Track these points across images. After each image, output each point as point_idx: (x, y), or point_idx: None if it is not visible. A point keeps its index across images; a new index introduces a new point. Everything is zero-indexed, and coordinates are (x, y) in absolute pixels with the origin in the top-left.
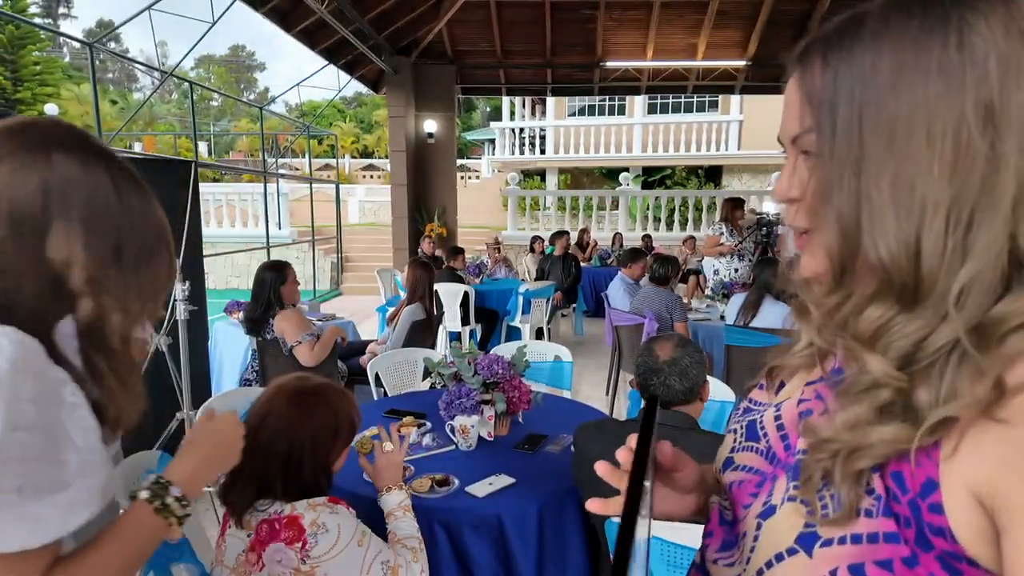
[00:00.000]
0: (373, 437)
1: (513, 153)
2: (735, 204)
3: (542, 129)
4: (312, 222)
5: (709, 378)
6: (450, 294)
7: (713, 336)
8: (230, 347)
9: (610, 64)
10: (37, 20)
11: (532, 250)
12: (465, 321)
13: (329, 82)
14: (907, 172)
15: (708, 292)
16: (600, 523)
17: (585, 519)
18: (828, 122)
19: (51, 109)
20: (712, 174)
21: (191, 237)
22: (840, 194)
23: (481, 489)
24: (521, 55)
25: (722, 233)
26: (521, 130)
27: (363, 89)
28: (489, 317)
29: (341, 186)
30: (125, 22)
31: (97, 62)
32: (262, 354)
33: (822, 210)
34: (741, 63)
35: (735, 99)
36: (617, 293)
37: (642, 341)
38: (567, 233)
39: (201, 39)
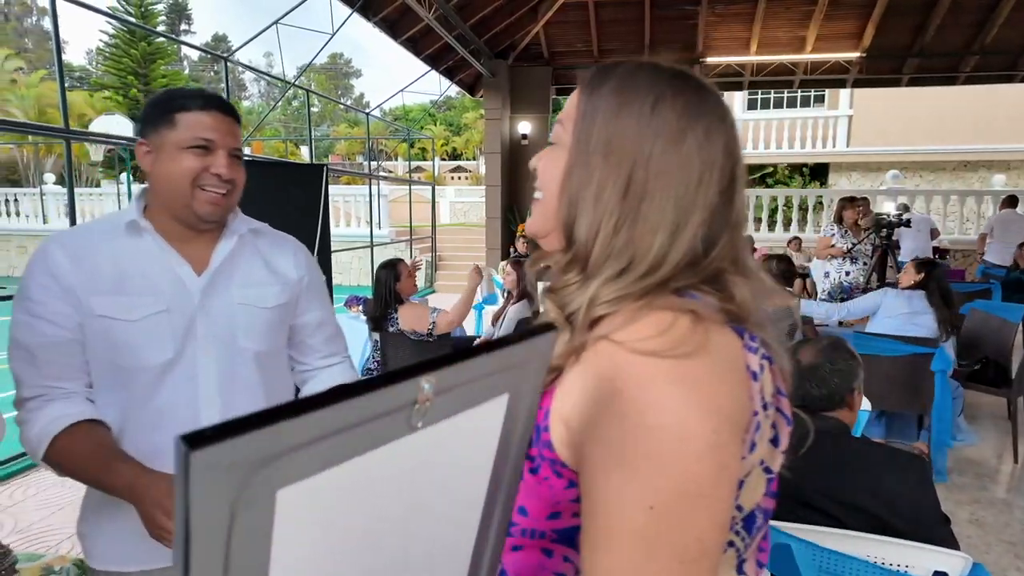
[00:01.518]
0: None
1: None
2: (848, 204)
3: None
4: (411, 222)
5: None
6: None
7: None
8: (350, 340)
9: (711, 60)
10: (161, 36)
11: None
12: None
13: (423, 87)
14: (603, 180)
15: (823, 296)
16: None
17: None
18: (581, 130)
19: None
20: (818, 172)
21: (323, 235)
22: (571, 181)
23: None
24: (618, 53)
25: (833, 234)
26: None
27: (453, 92)
28: None
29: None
30: (255, 36)
31: (212, 74)
32: (384, 346)
33: (560, 189)
34: (854, 55)
35: (844, 93)
36: None
37: None
38: None
39: (323, 48)
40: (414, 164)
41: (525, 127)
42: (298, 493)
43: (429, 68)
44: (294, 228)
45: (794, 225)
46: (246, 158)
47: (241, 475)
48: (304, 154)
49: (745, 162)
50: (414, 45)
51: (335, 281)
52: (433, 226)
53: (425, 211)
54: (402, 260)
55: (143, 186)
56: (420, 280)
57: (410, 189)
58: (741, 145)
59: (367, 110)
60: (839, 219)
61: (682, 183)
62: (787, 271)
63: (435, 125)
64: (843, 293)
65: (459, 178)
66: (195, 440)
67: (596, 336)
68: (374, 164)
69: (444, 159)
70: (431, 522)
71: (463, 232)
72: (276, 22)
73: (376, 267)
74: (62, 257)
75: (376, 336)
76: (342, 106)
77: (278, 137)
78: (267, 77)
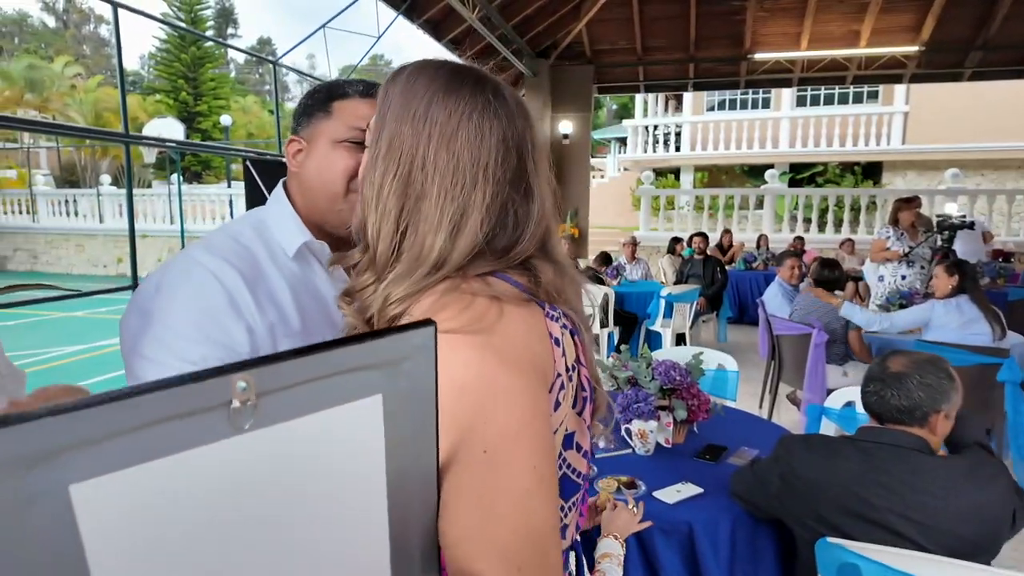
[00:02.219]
0: (616, 495)
1: (645, 151)
2: (904, 204)
3: (678, 125)
4: None
5: None
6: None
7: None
8: None
9: (759, 56)
10: (214, 41)
11: (672, 251)
12: (604, 323)
13: None
14: (382, 179)
15: (880, 301)
16: (808, 542)
17: (780, 537)
18: (376, 132)
19: (226, 120)
20: (870, 171)
21: None
22: (364, 182)
23: (669, 496)
24: (662, 51)
25: (888, 237)
26: (655, 127)
27: None
28: (628, 320)
29: None
30: (303, 40)
31: (257, 76)
32: None
33: (361, 189)
34: (912, 49)
35: (900, 88)
36: (774, 299)
37: (810, 353)
38: (704, 235)
39: (369, 51)
40: None
41: (567, 126)
42: (98, 489)
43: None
44: None
45: (845, 226)
46: None
47: (24, 466)
48: None
49: (794, 160)
50: (456, 46)
51: None
52: None
53: None
54: None
55: (278, 187)
56: None
57: None
58: (538, 136)
59: None
60: (894, 220)
61: (458, 183)
62: (835, 276)
63: None
64: (902, 299)
65: None
66: None
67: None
68: None
69: None
70: (311, 528)
71: None
72: (324, 26)
73: None
74: (239, 281)
75: None
76: None
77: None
78: (316, 80)
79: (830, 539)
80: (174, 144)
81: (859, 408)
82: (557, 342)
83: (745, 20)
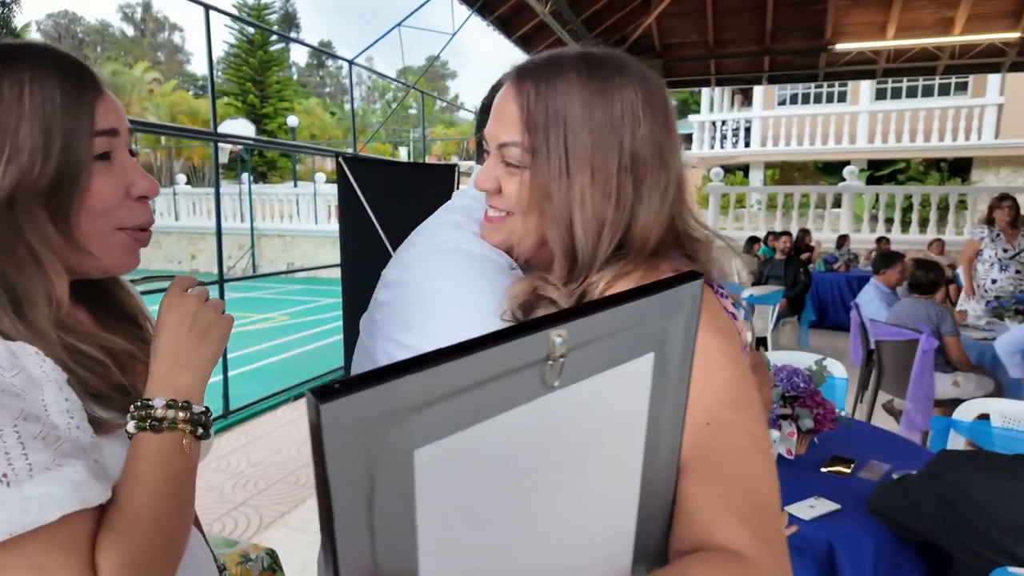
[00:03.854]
0: None
1: (712, 147)
2: (998, 203)
3: (747, 120)
4: None
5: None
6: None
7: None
8: None
9: (840, 47)
10: (299, 43)
11: (749, 251)
12: None
13: None
14: (579, 187)
15: (987, 306)
16: (976, 569)
17: (926, 559)
18: (543, 145)
19: (292, 121)
20: (958, 168)
21: None
22: (556, 200)
23: (803, 511)
24: (735, 43)
25: (983, 238)
26: (723, 122)
27: None
28: None
29: None
30: (379, 39)
31: (317, 78)
32: None
33: (542, 207)
34: (1014, 35)
35: (992, 80)
36: (871, 303)
37: (916, 359)
38: (789, 234)
39: (443, 49)
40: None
41: None
42: (436, 454)
43: None
44: None
45: (931, 226)
46: (382, 160)
47: (375, 431)
48: (403, 155)
49: (872, 156)
50: (525, 43)
51: None
52: None
53: None
54: None
55: (457, 196)
56: None
57: None
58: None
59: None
60: (989, 220)
61: (656, 165)
62: (930, 278)
63: None
64: (1018, 304)
65: None
66: (324, 393)
67: None
68: (471, 163)
69: None
70: (584, 494)
71: None
72: (399, 24)
73: None
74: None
75: None
76: (454, 105)
77: (379, 139)
78: (392, 80)
79: (1011, 569)
80: (263, 142)
81: (998, 421)
82: (734, 316)
83: (826, 9)
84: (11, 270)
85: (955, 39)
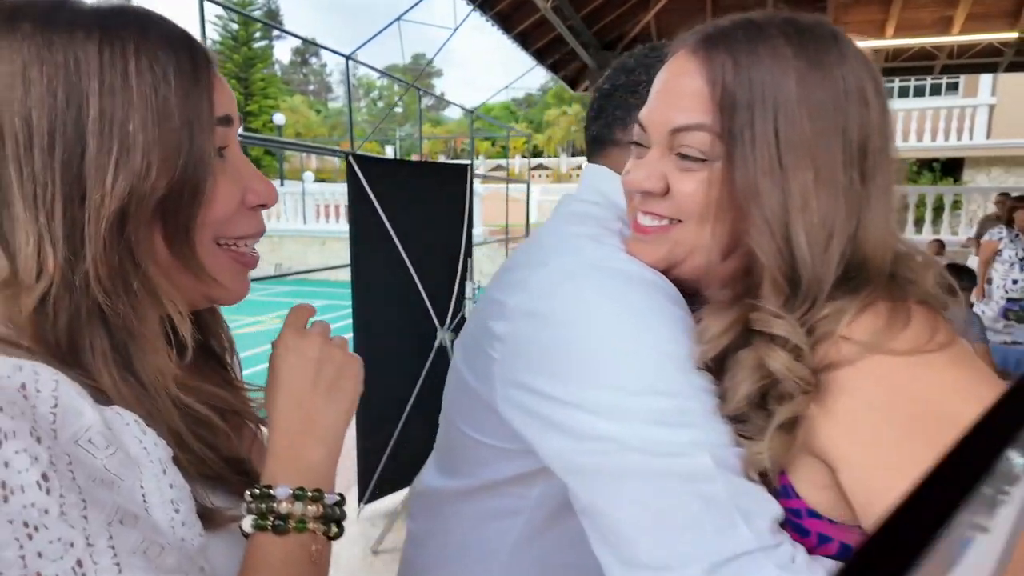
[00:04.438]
0: None
1: None
2: (1020, 203)
3: None
4: (507, 220)
5: None
6: None
7: None
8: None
9: None
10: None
11: None
12: None
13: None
14: (813, 188)
15: (996, 305)
16: None
17: None
18: (746, 130)
19: (279, 119)
20: (950, 168)
21: (468, 236)
22: (766, 200)
23: None
24: None
25: (1001, 238)
26: None
27: (533, 89)
28: None
29: (517, 186)
30: (378, 33)
31: (301, 76)
32: None
33: (745, 210)
34: (1012, 36)
35: (985, 80)
36: None
37: None
38: None
39: (444, 44)
40: (494, 163)
41: None
42: None
43: (536, 63)
44: (444, 228)
45: (927, 226)
46: (392, 159)
47: None
48: (389, 152)
49: None
50: (523, 40)
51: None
52: (527, 225)
53: (514, 211)
54: None
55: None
56: None
57: (507, 187)
58: None
59: (471, 108)
60: (1009, 221)
61: (885, 160)
62: (970, 287)
63: (516, 123)
64: None
65: (541, 176)
66: None
67: (847, 352)
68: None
69: (525, 156)
70: None
71: None
72: (399, 19)
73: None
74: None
75: None
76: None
77: (363, 136)
78: (392, 77)
79: None
80: (274, 142)
81: None
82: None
83: (827, 7)
84: (123, 308)
85: (954, 39)
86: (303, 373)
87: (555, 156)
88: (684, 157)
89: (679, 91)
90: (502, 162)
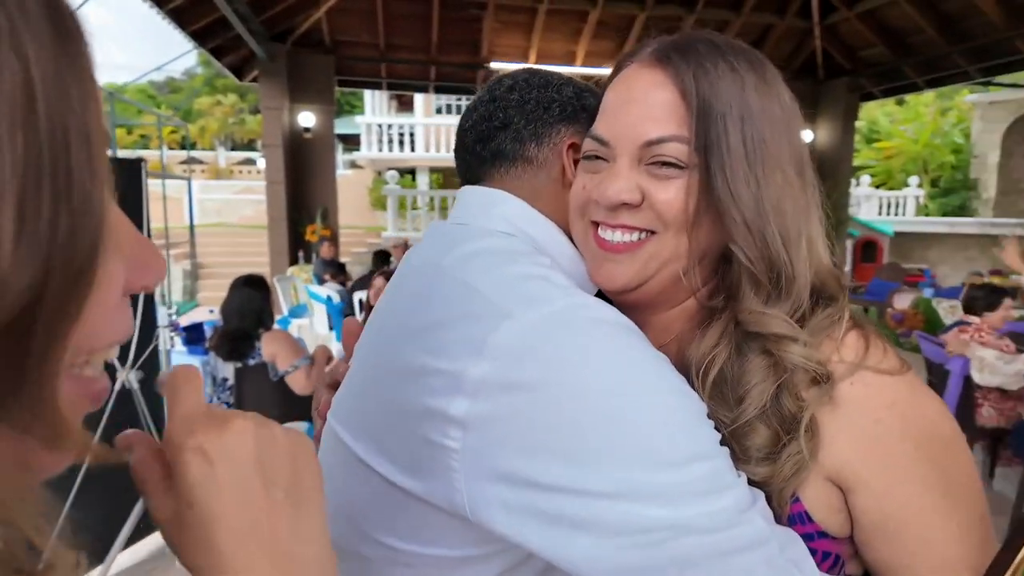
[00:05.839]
0: None
1: (380, 150)
2: None
3: (411, 126)
4: (165, 222)
5: None
6: None
7: None
8: None
9: (494, 65)
10: None
11: None
12: None
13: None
14: (781, 193)
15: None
16: None
17: None
18: (721, 138)
19: None
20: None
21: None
22: (744, 203)
23: None
24: (405, 50)
25: None
26: (389, 126)
27: (176, 74)
28: None
29: (168, 182)
30: None
31: None
32: (241, 382)
33: (724, 216)
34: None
35: None
36: None
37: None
38: None
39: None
40: (135, 153)
41: (308, 119)
42: None
43: (196, 45)
44: None
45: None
46: None
47: None
48: None
49: None
50: (178, 17)
51: None
52: (191, 227)
53: (170, 210)
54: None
55: (528, 209)
56: (178, 293)
57: (163, 183)
58: None
59: (110, 90)
60: None
61: (812, 170)
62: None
63: (159, 108)
64: None
65: (195, 171)
66: None
67: (841, 370)
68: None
69: (172, 149)
70: None
71: (226, 234)
72: None
73: (237, 281)
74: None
75: (227, 368)
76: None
77: None
78: None
79: None
80: None
81: None
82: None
83: (482, 29)
84: None
85: (577, 69)
86: (246, 487)
87: (211, 149)
88: (663, 165)
89: (649, 102)
90: (143, 153)
